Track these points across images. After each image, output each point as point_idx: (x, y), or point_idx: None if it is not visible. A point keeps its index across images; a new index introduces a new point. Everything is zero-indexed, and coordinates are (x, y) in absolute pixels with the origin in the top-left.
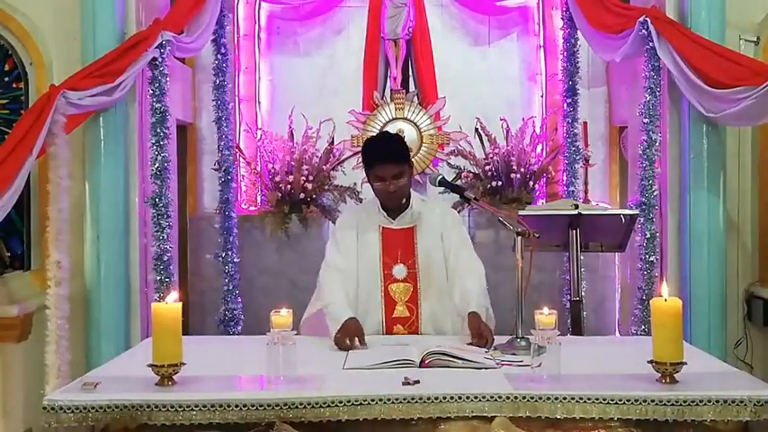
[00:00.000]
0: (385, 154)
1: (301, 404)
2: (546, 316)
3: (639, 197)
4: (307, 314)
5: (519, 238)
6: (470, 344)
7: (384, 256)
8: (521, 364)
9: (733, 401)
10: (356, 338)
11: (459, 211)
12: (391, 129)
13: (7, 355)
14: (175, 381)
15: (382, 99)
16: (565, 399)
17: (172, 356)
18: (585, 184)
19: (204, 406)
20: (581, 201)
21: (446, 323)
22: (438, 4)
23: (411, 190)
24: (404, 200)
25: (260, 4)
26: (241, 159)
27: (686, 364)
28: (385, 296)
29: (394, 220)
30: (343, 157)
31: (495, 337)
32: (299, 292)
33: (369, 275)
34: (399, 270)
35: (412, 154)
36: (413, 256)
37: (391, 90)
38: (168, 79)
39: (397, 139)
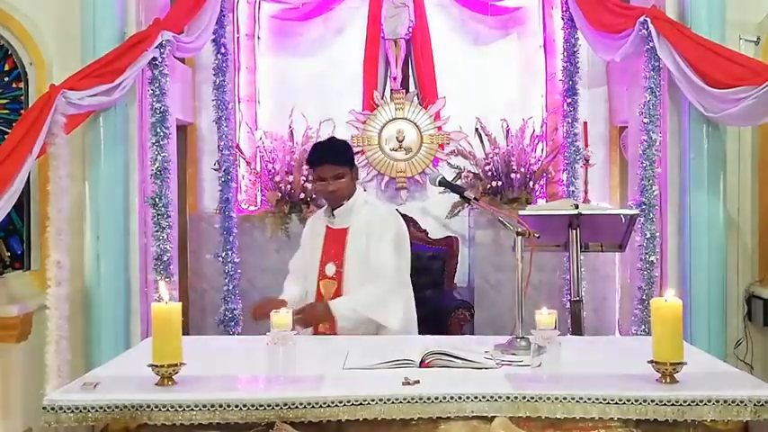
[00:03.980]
0: (326, 156)
1: (301, 404)
2: (546, 316)
3: (639, 197)
4: None
5: (519, 238)
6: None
7: (323, 254)
8: (521, 364)
9: (733, 401)
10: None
11: (458, 211)
12: (391, 128)
13: (7, 355)
14: (175, 381)
15: (382, 99)
16: (565, 399)
17: (172, 356)
18: (585, 184)
19: (204, 406)
20: (581, 201)
21: (360, 321)
22: (438, 3)
23: (362, 191)
24: (344, 201)
25: (260, 4)
26: (241, 159)
27: (686, 364)
28: (317, 291)
29: (335, 219)
30: None
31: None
32: None
33: (311, 272)
34: (329, 267)
35: (412, 153)
36: (342, 256)
37: (391, 90)
38: (168, 79)
39: (342, 143)
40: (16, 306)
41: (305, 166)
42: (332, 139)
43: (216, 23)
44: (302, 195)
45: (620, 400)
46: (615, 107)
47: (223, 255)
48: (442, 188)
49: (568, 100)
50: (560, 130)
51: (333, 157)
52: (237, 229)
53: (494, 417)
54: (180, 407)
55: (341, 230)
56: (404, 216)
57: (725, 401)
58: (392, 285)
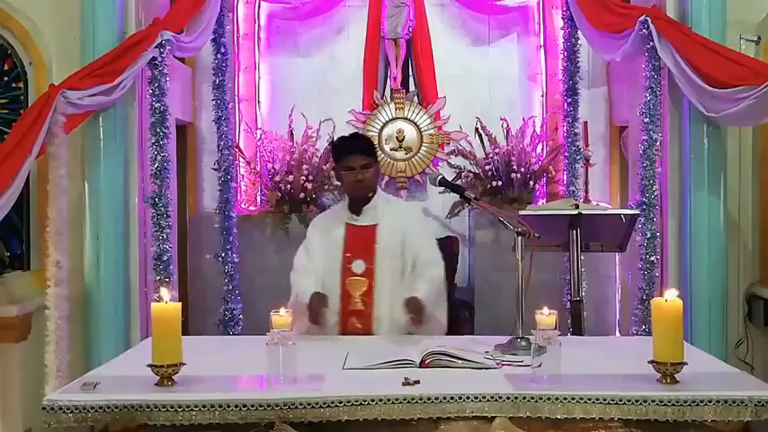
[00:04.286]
0: (355, 146)
1: (301, 404)
2: (546, 316)
3: (640, 197)
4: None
5: (519, 238)
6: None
7: (346, 251)
8: (521, 364)
9: (734, 402)
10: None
11: (458, 211)
12: (391, 128)
13: (7, 355)
14: (175, 381)
15: (382, 99)
16: (565, 399)
17: (171, 356)
18: (586, 183)
19: (204, 406)
20: (581, 201)
21: (401, 320)
22: (438, 3)
23: (380, 190)
24: (370, 193)
25: (260, 4)
26: (241, 159)
27: (687, 364)
28: (342, 290)
29: (358, 217)
30: None
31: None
32: None
33: (331, 270)
34: (358, 265)
35: (412, 153)
36: (372, 253)
37: (391, 90)
38: (168, 79)
39: (368, 137)
40: (16, 306)
41: (305, 166)
42: (357, 133)
43: (216, 23)
44: (302, 195)
45: (621, 401)
46: (615, 107)
47: (223, 255)
48: (442, 188)
49: (569, 100)
50: (560, 129)
51: (362, 148)
52: (237, 229)
53: (494, 417)
54: (180, 407)
55: (367, 227)
56: None
57: (725, 401)
58: (443, 281)
